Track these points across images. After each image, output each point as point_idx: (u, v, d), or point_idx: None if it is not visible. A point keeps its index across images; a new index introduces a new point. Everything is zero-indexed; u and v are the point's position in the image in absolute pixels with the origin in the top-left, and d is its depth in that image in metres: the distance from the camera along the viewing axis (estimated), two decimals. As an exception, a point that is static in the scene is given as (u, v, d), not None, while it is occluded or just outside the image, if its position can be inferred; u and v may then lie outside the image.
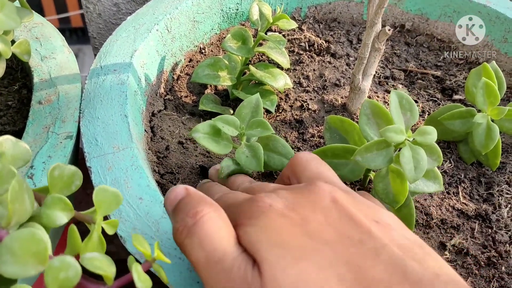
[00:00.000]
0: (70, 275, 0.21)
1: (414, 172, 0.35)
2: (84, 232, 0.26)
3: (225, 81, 0.49)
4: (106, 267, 0.24)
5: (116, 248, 0.50)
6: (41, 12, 1.82)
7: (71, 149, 0.39)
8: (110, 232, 0.27)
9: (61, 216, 0.25)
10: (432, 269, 0.25)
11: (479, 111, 0.45)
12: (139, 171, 0.36)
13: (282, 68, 0.53)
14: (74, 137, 0.40)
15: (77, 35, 2.05)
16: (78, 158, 0.43)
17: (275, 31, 0.59)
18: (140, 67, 0.46)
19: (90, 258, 0.24)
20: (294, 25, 0.49)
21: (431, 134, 0.36)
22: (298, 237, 0.27)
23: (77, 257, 0.24)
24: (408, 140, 0.36)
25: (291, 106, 0.51)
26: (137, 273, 0.24)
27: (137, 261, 0.28)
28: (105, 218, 0.28)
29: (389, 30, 0.43)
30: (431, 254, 0.27)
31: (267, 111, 0.50)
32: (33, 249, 0.21)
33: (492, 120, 0.44)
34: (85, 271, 0.24)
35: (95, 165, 0.37)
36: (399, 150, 0.37)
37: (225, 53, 0.56)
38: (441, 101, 0.53)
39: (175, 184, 0.42)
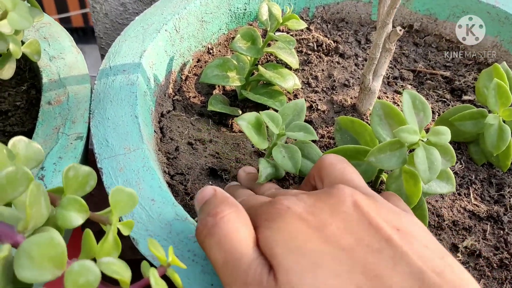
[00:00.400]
0: (90, 280, 0.21)
1: (428, 173, 0.35)
2: (95, 233, 0.26)
3: (234, 81, 0.49)
4: (122, 272, 0.24)
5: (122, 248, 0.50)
6: (43, 11, 1.81)
7: (82, 150, 0.39)
8: (125, 232, 0.26)
9: (77, 217, 0.25)
10: (451, 282, 0.25)
11: (489, 112, 0.45)
12: (150, 172, 0.36)
13: (290, 69, 0.53)
14: (84, 138, 0.39)
15: (78, 34, 2.05)
16: (88, 159, 0.43)
17: (282, 31, 0.59)
18: (149, 67, 0.46)
19: (107, 263, 0.24)
20: (303, 25, 0.49)
21: (445, 134, 0.35)
22: (315, 242, 0.26)
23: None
24: (422, 140, 0.36)
25: (300, 107, 0.51)
26: (155, 278, 0.24)
27: (150, 263, 0.28)
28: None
29: (400, 30, 0.43)
30: (452, 265, 0.26)
31: (275, 111, 0.50)
32: (51, 254, 0.21)
33: (504, 121, 0.44)
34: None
35: (106, 166, 0.37)
36: (412, 151, 0.37)
37: (233, 53, 0.56)
38: (450, 102, 0.53)
39: (185, 186, 0.42)
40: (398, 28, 0.43)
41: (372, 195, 0.31)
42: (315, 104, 0.51)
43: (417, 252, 0.26)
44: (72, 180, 0.26)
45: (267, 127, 0.40)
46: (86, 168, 0.27)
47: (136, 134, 0.39)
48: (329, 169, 0.34)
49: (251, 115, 0.38)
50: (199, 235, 0.29)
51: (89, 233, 0.25)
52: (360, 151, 0.39)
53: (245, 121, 0.38)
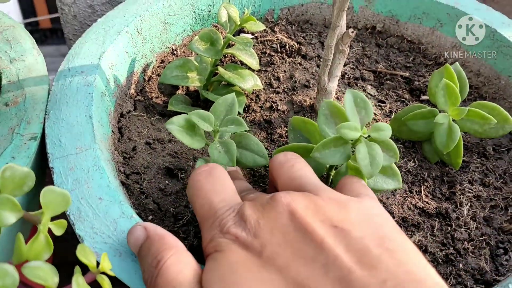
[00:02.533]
0: (7, 283, 0.22)
1: (370, 168, 0.36)
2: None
3: (193, 82, 0.49)
4: (47, 277, 0.24)
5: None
6: (34, 12, 1.81)
7: (35, 150, 0.39)
8: (58, 233, 0.27)
9: (9, 216, 0.26)
10: (380, 275, 0.24)
11: (442, 111, 0.46)
12: (100, 172, 0.37)
13: (254, 70, 0.54)
14: (38, 138, 0.40)
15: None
16: (46, 159, 0.44)
17: (248, 33, 0.60)
18: (108, 68, 0.47)
19: (32, 267, 0.24)
20: (262, 27, 0.50)
21: (386, 130, 0.36)
22: (253, 270, 0.26)
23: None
24: (363, 136, 0.37)
25: (261, 107, 0.52)
26: (77, 285, 0.24)
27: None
28: (57, 217, 0.28)
29: (352, 32, 0.44)
30: (392, 249, 0.26)
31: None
32: None
33: (454, 121, 0.45)
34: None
35: (57, 166, 0.37)
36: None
37: (197, 54, 0.56)
38: (409, 102, 0.54)
39: (140, 185, 0.42)
40: (350, 30, 0.44)
41: (318, 191, 0.30)
42: (275, 104, 0.51)
43: (352, 248, 0.25)
44: (8, 180, 0.27)
45: None
46: (24, 169, 0.27)
47: (89, 134, 0.40)
48: (279, 170, 0.34)
49: (179, 118, 0.39)
50: (148, 286, 0.29)
51: (19, 237, 0.26)
52: (309, 149, 0.40)
53: (174, 125, 0.38)
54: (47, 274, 0.24)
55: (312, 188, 0.31)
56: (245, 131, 0.40)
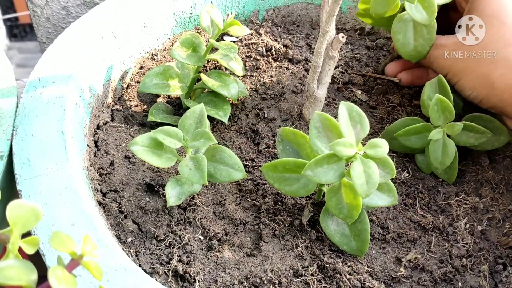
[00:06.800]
0: None
1: (366, 187, 0.34)
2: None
3: (175, 90, 0.46)
4: (23, 275, 0.21)
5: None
6: (12, 7, 1.74)
7: (2, 170, 0.36)
8: (29, 251, 0.24)
9: None
10: None
11: (436, 126, 0.44)
12: (73, 194, 0.34)
13: (238, 76, 0.51)
14: (5, 157, 0.37)
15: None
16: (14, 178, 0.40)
17: (231, 36, 0.57)
18: (82, 77, 0.44)
19: (3, 268, 0.21)
20: (247, 31, 0.47)
21: (382, 147, 0.34)
22: None
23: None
24: (358, 153, 0.34)
25: (246, 115, 0.49)
26: (56, 277, 0.21)
27: None
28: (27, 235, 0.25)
29: (342, 37, 0.42)
30: None
31: (222, 122, 0.48)
32: None
33: (448, 136, 0.43)
34: None
35: (25, 189, 0.34)
36: (351, 163, 0.35)
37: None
38: (400, 107, 0.52)
39: (119, 203, 0.39)
40: (341, 35, 0.41)
41: None
42: (262, 112, 0.49)
43: None
44: None
45: None
46: None
47: (61, 151, 0.36)
48: None
49: (143, 137, 0.36)
50: None
51: None
52: (299, 165, 0.37)
53: (138, 145, 0.36)
54: (23, 273, 0.21)
55: None
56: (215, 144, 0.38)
